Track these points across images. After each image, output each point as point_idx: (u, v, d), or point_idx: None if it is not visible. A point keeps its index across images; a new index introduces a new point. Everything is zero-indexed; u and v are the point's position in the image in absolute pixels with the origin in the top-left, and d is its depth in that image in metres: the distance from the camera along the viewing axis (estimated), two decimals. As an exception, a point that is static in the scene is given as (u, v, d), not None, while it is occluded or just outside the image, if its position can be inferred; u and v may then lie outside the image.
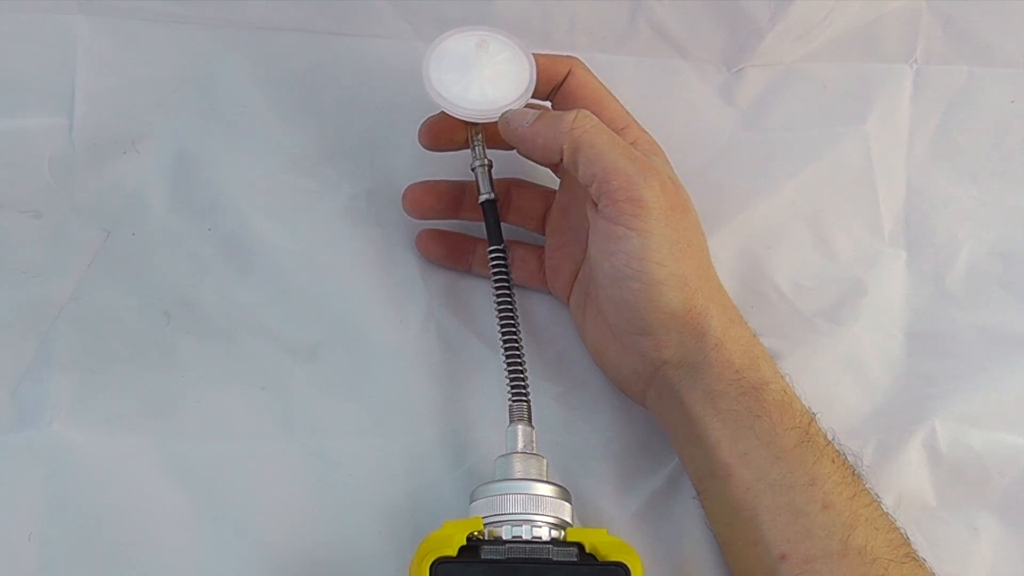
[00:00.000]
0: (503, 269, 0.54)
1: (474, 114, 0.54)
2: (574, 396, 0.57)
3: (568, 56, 0.55)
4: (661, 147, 0.54)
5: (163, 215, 0.58)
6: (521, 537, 0.46)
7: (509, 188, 0.59)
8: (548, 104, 0.56)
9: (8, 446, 0.52)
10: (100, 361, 0.55)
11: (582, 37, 0.63)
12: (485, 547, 0.46)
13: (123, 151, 0.59)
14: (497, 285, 0.54)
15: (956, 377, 0.59)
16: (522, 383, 0.51)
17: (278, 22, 0.62)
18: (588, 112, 0.51)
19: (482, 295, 0.56)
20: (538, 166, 0.58)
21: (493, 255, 0.54)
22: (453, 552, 0.45)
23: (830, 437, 0.50)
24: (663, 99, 0.64)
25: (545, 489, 0.48)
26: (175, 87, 0.60)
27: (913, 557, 0.48)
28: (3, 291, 0.56)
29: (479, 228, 0.56)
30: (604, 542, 0.46)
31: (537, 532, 0.46)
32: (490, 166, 0.55)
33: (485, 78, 0.54)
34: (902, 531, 0.49)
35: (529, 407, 0.51)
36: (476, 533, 0.46)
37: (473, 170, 0.55)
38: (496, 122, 0.53)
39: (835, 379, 0.58)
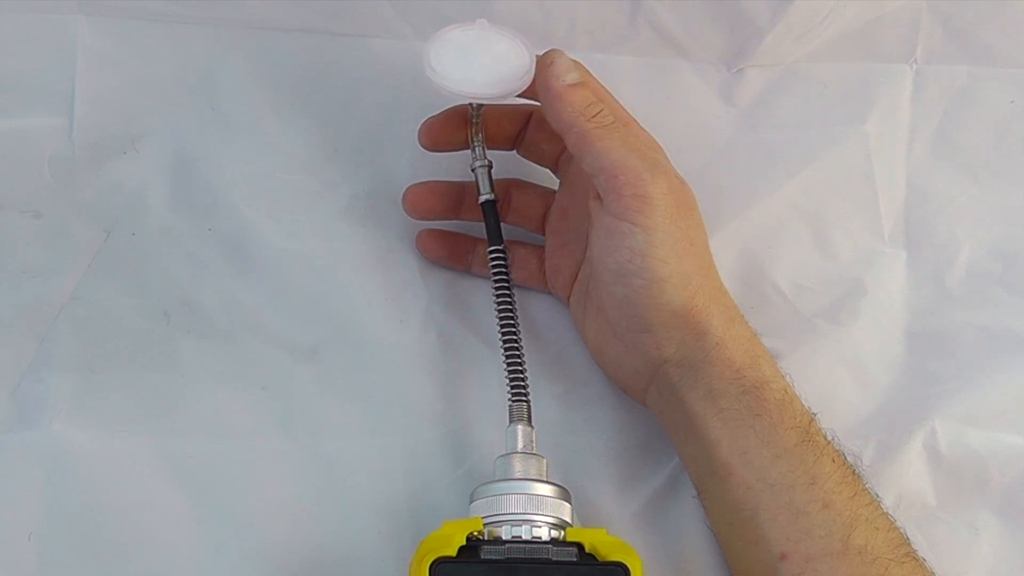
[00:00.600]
0: (503, 269, 0.54)
1: (476, 95, 0.53)
2: (574, 396, 0.57)
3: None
4: (662, 147, 0.54)
5: (163, 215, 0.58)
6: (521, 537, 0.46)
7: (509, 188, 0.59)
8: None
9: (8, 446, 0.52)
10: (100, 361, 0.55)
11: (582, 37, 0.63)
12: (485, 547, 0.46)
13: (123, 151, 0.59)
14: (497, 285, 0.54)
15: (956, 377, 0.59)
16: (522, 383, 0.51)
17: (278, 22, 0.62)
18: (609, 110, 0.51)
19: (482, 295, 0.56)
20: (538, 167, 0.59)
21: (493, 256, 0.54)
22: (452, 552, 0.45)
23: (830, 437, 0.50)
24: (663, 99, 0.64)
25: (545, 489, 0.48)
26: (175, 87, 0.60)
27: (913, 557, 0.48)
28: (3, 291, 0.56)
29: (479, 228, 0.56)
30: (604, 542, 0.46)
31: (537, 532, 0.46)
32: (490, 167, 0.55)
33: (485, 63, 0.53)
34: (902, 531, 0.49)
35: (529, 407, 0.51)
36: (476, 533, 0.46)
37: (473, 171, 0.56)
38: (494, 104, 0.54)
39: (835, 379, 0.58)
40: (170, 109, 0.60)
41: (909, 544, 0.49)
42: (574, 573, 0.46)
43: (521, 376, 0.52)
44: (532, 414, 0.51)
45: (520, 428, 0.50)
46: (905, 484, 0.55)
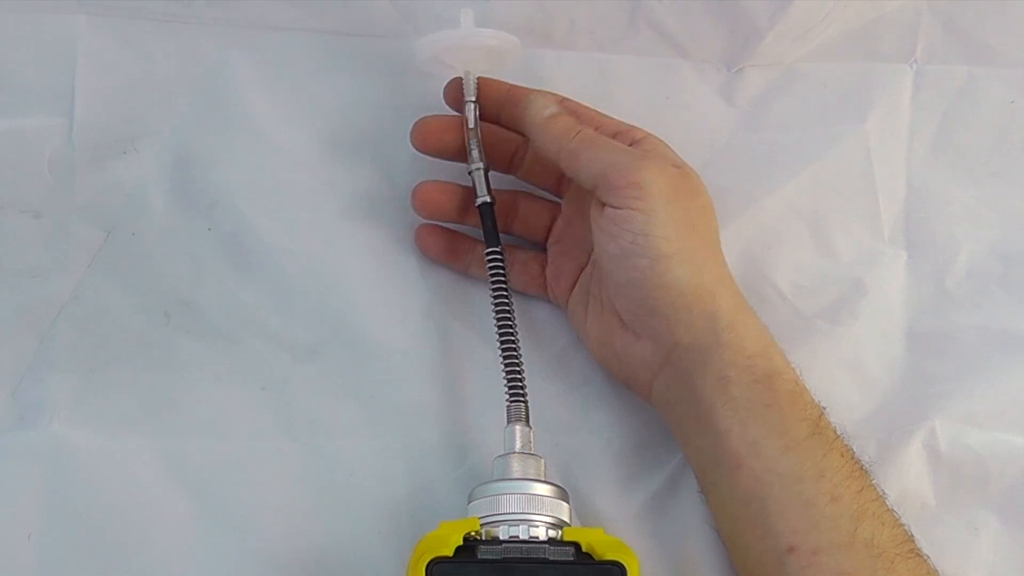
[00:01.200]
0: (500, 271, 0.54)
1: (471, 39, 0.55)
2: (574, 396, 0.57)
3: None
4: (664, 142, 0.55)
5: (163, 215, 0.58)
6: (518, 537, 0.46)
7: (516, 199, 0.59)
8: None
9: (8, 446, 0.52)
10: (100, 361, 0.55)
11: (582, 37, 0.63)
12: (481, 547, 0.46)
13: (123, 151, 0.59)
14: (494, 287, 0.54)
15: (956, 377, 0.59)
16: (520, 384, 0.51)
17: (278, 22, 0.62)
18: (594, 126, 0.54)
19: (482, 295, 0.56)
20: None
21: (490, 257, 0.54)
22: (449, 552, 0.45)
23: (838, 432, 0.50)
24: (663, 99, 0.64)
25: (542, 489, 0.48)
26: (175, 87, 0.60)
27: (917, 553, 0.48)
28: (3, 291, 0.56)
29: (481, 233, 0.56)
30: (601, 541, 0.46)
31: (534, 532, 0.47)
32: (487, 170, 0.56)
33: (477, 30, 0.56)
34: (906, 527, 0.49)
35: (527, 407, 0.51)
36: (473, 533, 0.47)
37: (470, 174, 0.56)
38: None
39: (835, 379, 0.58)
40: (170, 109, 0.60)
41: (913, 541, 0.49)
42: (571, 572, 0.46)
43: (519, 377, 0.52)
44: (530, 414, 0.51)
45: (518, 428, 0.50)
46: (905, 484, 0.56)
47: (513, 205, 0.59)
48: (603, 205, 0.51)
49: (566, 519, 0.48)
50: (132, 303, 0.56)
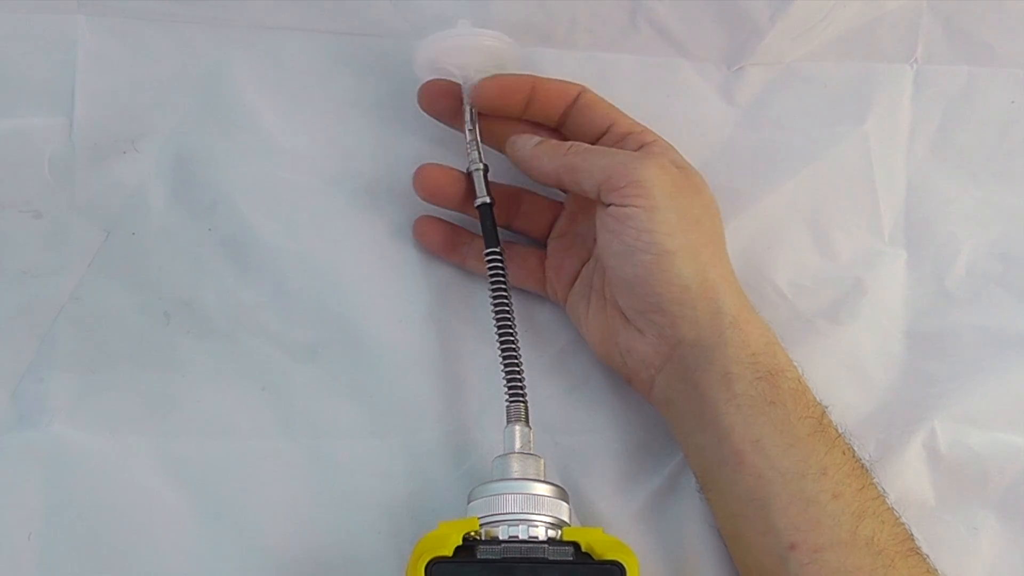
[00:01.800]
0: (500, 272, 0.54)
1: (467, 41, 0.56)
2: (574, 396, 0.57)
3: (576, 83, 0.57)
4: (673, 147, 0.55)
5: (163, 215, 0.58)
6: (517, 537, 0.46)
7: (520, 195, 0.59)
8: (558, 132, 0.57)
9: (8, 446, 0.52)
10: (100, 361, 0.55)
11: (582, 36, 0.63)
12: (481, 547, 0.46)
13: (123, 151, 0.59)
14: (494, 288, 0.54)
15: (956, 377, 0.59)
16: (519, 384, 0.51)
17: (278, 22, 0.62)
18: (580, 143, 0.54)
19: (482, 295, 0.56)
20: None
21: (490, 258, 0.54)
22: (449, 552, 0.45)
23: (840, 430, 0.50)
24: (663, 98, 0.64)
25: (541, 489, 0.48)
26: (175, 87, 0.60)
27: (917, 552, 0.49)
28: (3, 291, 0.56)
29: (479, 226, 0.56)
30: (600, 541, 0.46)
31: (534, 532, 0.47)
32: (486, 170, 0.56)
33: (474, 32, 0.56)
34: (906, 526, 0.49)
35: (526, 407, 0.51)
36: (472, 533, 0.47)
37: (469, 173, 0.56)
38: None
39: (835, 379, 0.58)
40: (170, 109, 0.60)
41: (913, 539, 0.49)
42: (570, 572, 0.46)
43: (518, 377, 0.52)
44: (529, 414, 0.51)
45: (517, 428, 0.50)
46: (904, 484, 0.55)
47: (517, 200, 0.59)
48: (606, 205, 0.51)
49: (565, 519, 0.48)
50: (132, 303, 0.56)
